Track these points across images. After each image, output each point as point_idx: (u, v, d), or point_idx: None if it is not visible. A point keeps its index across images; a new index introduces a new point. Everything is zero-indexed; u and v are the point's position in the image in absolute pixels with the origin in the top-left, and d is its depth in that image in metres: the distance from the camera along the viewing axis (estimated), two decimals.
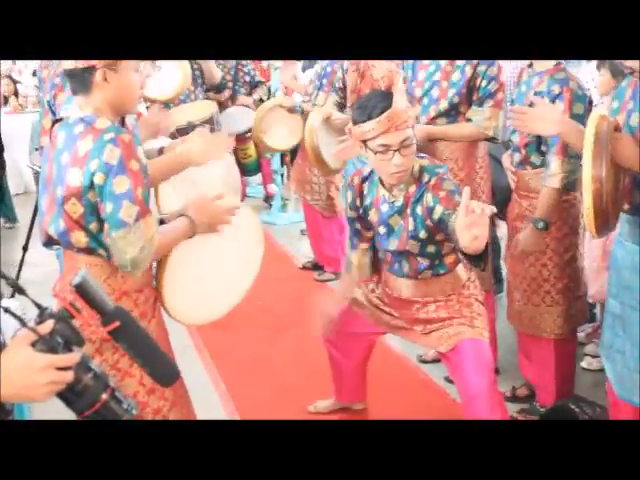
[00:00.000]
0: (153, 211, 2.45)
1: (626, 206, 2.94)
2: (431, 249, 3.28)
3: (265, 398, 4.27)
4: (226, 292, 2.81)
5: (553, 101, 3.53)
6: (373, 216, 3.37)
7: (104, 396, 1.55)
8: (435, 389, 4.36)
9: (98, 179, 2.30)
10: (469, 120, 4.17)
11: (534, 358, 3.96)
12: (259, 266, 2.86)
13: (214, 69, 6.47)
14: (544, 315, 3.84)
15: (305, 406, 4.06)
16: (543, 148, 3.65)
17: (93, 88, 2.38)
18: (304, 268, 6.51)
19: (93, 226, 2.39)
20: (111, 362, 2.46)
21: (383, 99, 3.01)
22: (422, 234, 3.21)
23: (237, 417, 4.04)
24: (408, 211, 3.22)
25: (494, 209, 2.53)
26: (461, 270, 3.43)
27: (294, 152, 6.77)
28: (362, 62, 4.04)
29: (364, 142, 3.08)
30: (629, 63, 2.91)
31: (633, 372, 3.01)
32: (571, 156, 3.52)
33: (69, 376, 1.48)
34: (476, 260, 2.78)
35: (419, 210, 3.18)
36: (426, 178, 3.16)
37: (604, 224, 2.81)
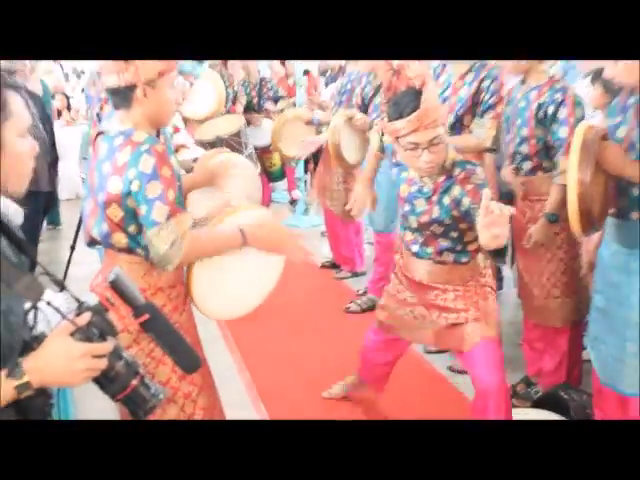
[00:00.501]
0: (187, 212, 2.47)
1: (612, 210, 2.97)
2: (454, 234, 3.17)
3: (287, 386, 4.30)
4: (251, 291, 2.80)
5: (557, 108, 3.57)
6: (403, 191, 3.27)
7: (134, 382, 1.61)
8: (439, 378, 4.38)
9: (135, 186, 2.34)
10: (471, 132, 4.19)
11: (549, 347, 3.97)
12: (282, 267, 2.87)
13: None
14: (563, 306, 3.87)
15: (326, 399, 4.08)
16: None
17: (133, 103, 2.41)
18: (323, 267, 6.52)
19: (132, 228, 2.43)
20: (147, 351, 2.49)
21: (414, 98, 2.92)
22: (447, 221, 3.12)
23: (260, 404, 4.07)
24: (434, 199, 3.12)
25: (513, 210, 2.52)
26: (481, 258, 3.33)
27: (316, 161, 6.80)
28: (396, 61, 4.01)
29: (396, 138, 3.00)
30: (618, 79, 2.93)
31: (616, 361, 3.06)
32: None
33: (103, 363, 1.55)
34: (496, 254, 2.79)
35: (446, 200, 3.08)
36: (457, 172, 3.06)
37: (589, 225, 2.84)
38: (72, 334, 1.54)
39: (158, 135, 2.60)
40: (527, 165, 3.79)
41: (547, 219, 3.69)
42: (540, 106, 3.64)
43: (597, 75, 4.04)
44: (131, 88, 2.38)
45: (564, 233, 3.71)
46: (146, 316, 1.72)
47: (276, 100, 7.77)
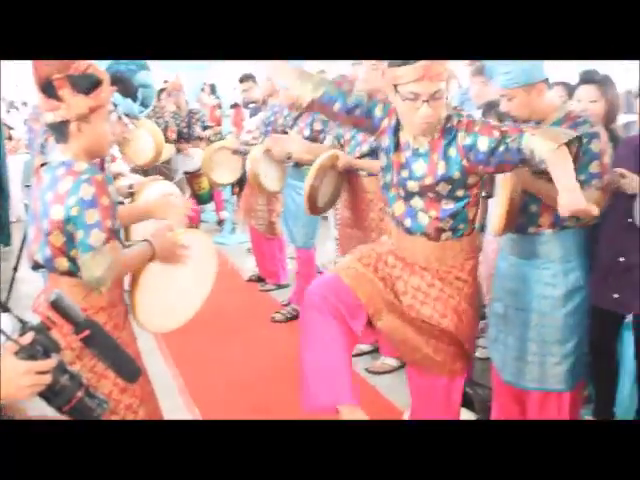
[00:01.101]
0: (118, 240, 2.45)
1: None
2: (460, 193, 2.78)
3: (218, 391, 4.25)
4: (186, 304, 2.79)
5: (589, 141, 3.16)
6: (396, 159, 2.87)
7: (79, 394, 1.58)
8: (357, 380, 4.35)
9: (74, 212, 2.30)
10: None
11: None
12: (213, 281, 2.85)
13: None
14: None
15: (255, 401, 4.02)
16: None
17: (70, 137, 2.37)
18: (250, 280, 6.52)
19: (73, 252, 2.38)
20: (89, 366, 2.43)
21: None
22: (456, 175, 2.73)
23: (194, 408, 4.01)
24: (436, 156, 2.75)
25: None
26: (474, 237, 2.99)
27: (242, 185, 6.82)
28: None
29: (395, 87, 2.66)
30: (502, 108, 3.01)
31: (515, 360, 3.10)
32: None
33: (47, 379, 1.52)
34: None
35: (452, 152, 2.73)
36: (454, 121, 2.74)
37: (509, 227, 2.91)
38: (16, 353, 1.50)
39: (103, 165, 2.54)
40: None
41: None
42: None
43: (489, 107, 4.11)
44: (66, 124, 2.35)
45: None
46: (87, 332, 1.69)
47: (204, 128, 7.79)
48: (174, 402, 3.93)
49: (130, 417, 2.55)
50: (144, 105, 3.06)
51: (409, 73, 2.59)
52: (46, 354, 1.53)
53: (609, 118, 3.47)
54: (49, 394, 1.54)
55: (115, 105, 2.94)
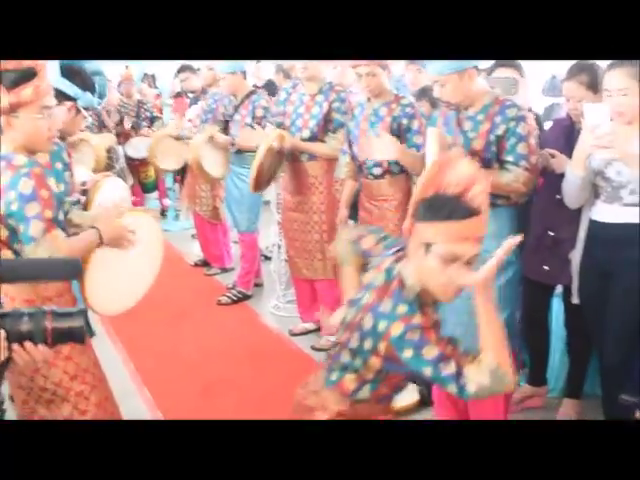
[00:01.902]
0: (59, 229, 2.38)
1: None
2: None
3: (168, 373, 4.24)
4: (134, 287, 2.78)
5: (410, 120, 3.69)
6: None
7: (47, 324, 1.48)
8: (303, 357, 4.38)
9: (14, 207, 2.26)
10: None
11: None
12: (160, 264, 2.84)
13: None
14: None
15: (205, 381, 4.02)
16: None
17: (4, 131, 2.31)
18: (195, 265, 6.47)
19: (17, 245, 2.33)
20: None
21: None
22: None
23: (145, 390, 3.99)
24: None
25: None
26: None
27: (184, 173, 6.79)
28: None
29: None
30: (436, 94, 3.06)
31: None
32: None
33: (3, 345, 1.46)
34: None
35: None
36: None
37: None
38: None
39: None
40: (377, 170, 3.82)
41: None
42: (394, 119, 3.70)
43: (423, 93, 4.17)
44: None
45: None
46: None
47: (152, 120, 7.88)
48: (126, 386, 3.90)
49: (82, 404, 2.52)
50: (100, 96, 3.01)
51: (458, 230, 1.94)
52: None
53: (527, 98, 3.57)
54: (28, 343, 1.47)
55: (75, 99, 2.88)
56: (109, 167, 5.18)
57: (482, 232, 1.97)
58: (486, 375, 1.82)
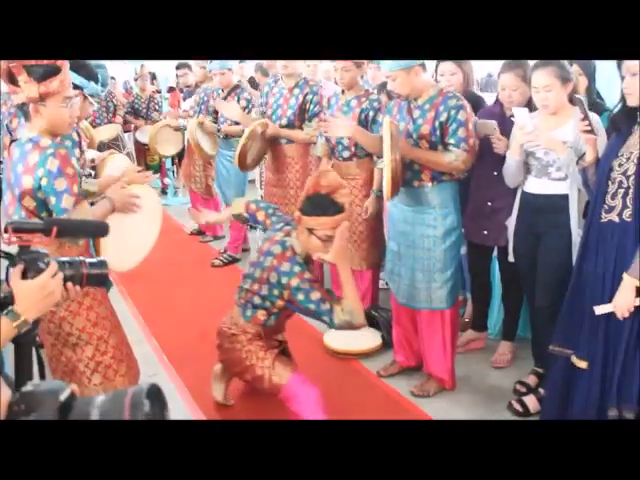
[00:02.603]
0: (85, 200, 2.42)
1: None
2: None
3: (171, 323, 4.26)
4: (141, 247, 2.81)
5: (376, 113, 3.66)
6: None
7: (84, 270, 1.59)
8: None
9: (43, 182, 2.28)
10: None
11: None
12: (159, 227, 2.87)
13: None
14: (359, 252, 3.92)
15: (201, 329, 4.03)
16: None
17: (32, 117, 2.32)
18: (192, 234, 6.45)
19: (44, 214, 2.35)
20: (65, 306, 2.45)
21: None
22: None
23: (153, 339, 4.00)
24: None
25: None
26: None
27: (181, 156, 6.78)
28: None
29: (310, 230, 2.80)
30: (389, 87, 3.05)
31: (407, 287, 3.22)
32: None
33: (60, 275, 1.51)
34: None
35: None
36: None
37: (395, 191, 2.95)
38: (24, 276, 1.46)
39: (81, 142, 2.50)
40: (346, 153, 3.83)
41: (375, 194, 3.77)
42: (362, 111, 3.70)
43: (382, 87, 4.17)
44: (26, 105, 2.29)
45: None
46: (55, 229, 1.59)
47: (160, 112, 8.13)
48: (136, 336, 3.90)
49: (102, 346, 2.57)
50: (103, 85, 2.98)
51: (329, 223, 2.72)
52: (42, 264, 1.49)
53: (467, 85, 3.59)
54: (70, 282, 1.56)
55: (82, 88, 2.86)
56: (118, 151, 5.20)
57: (345, 221, 2.75)
58: (347, 315, 2.67)
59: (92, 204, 2.57)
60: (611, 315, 2.43)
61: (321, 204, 2.74)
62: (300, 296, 2.73)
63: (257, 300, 2.90)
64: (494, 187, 3.30)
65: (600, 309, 2.45)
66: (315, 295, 2.71)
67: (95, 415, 1.08)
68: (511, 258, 3.20)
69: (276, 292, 2.82)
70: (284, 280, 2.77)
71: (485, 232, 3.45)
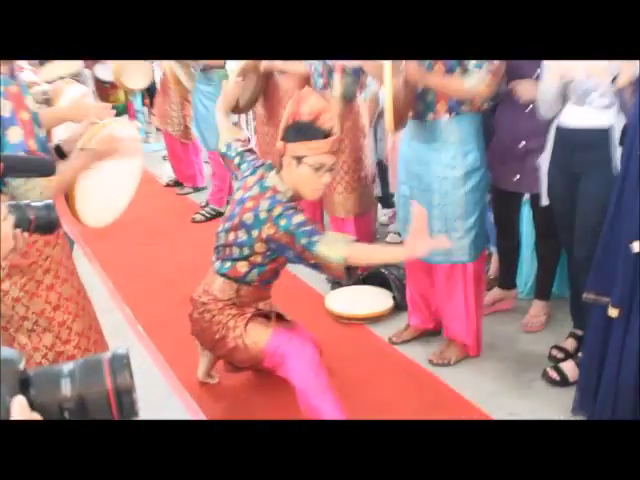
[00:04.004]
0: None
1: (411, 113, 3.02)
2: None
3: (146, 290, 4.26)
4: (120, 196, 2.77)
5: None
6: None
7: (30, 214, 1.63)
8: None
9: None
10: None
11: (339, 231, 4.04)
12: (140, 174, 2.84)
13: None
14: (346, 200, 4.06)
15: (181, 295, 4.01)
16: None
17: None
18: (167, 186, 6.43)
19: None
20: (19, 285, 2.34)
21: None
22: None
23: (125, 307, 3.98)
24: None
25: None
26: None
27: (152, 96, 6.67)
28: None
29: (300, 158, 2.72)
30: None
31: None
32: (347, 73, 3.80)
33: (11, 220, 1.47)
34: None
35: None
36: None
37: (399, 122, 2.88)
38: None
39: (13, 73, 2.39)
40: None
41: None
42: None
43: None
44: None
45: (347, 139, 3.90)
46: (1, 165, 1.68)
47: None
48: (105, 304, 3.89)
49: (64, 334, 2.46)
50: None
51: (321, 146, 2.67)
52: None
53: None
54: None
55: None
56: None
57: (337, 147, 2.72)
58: (332, 254, 2.49)
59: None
60: None
61: (307, 130, 2.68)
62: (282, 221, 2.62)
63: (235, 251, 2.81)
64: (528, 123, 3.22)
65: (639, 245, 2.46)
66: (298, 217, 2.62)
67: (67, 387, 1.02)
68: (545, 201, 3.15)
69: (255, 233, 2.71)
70: (263, 215, 2.68)
71: (517, 177, 3.38)
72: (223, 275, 2.87)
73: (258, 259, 2.79)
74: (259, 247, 2.74)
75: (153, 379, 3.22)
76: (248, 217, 2.72)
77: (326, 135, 2.68)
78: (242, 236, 2.76)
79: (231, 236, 2.81)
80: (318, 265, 2.60)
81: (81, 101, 2.63)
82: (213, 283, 2.90)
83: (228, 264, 2.85)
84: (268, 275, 2.88)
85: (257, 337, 2.79)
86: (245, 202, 2.77)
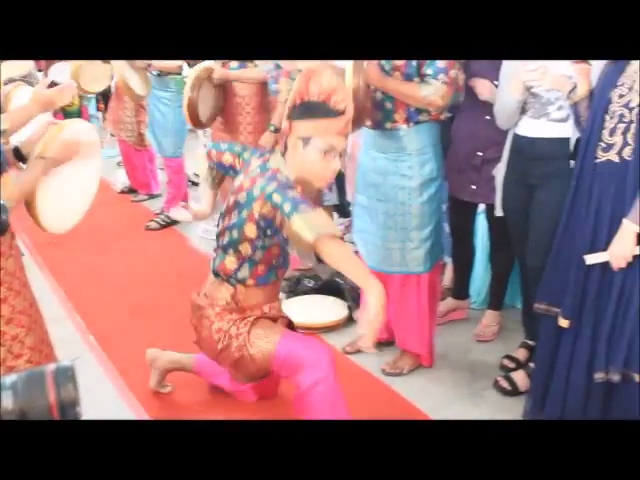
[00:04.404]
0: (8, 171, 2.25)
1: (369, 123, 3.03)
2: None
3: (99, 298, 4.16)
4: (77, 204, 2.74)
5: None
6: None
7: None
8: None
9: None
10: None
11: None
12: (98, 182, 2.83)
13: None
14: None
15: (134, 304, 3.95)
16: None
17: None
18: (122, 193, 6.33)
19: None
20: None
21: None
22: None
23: (76, 315, 3.90)
24: None
25: None
26: None
27: (107, 99, 6.56)
28: None
29: (307, 139, 2.47)
30: None
31: (378, 248, 3.18)
32: (293, 78, 3.80)
33: None
34: None
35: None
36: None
37: (357, 123, 2.84)
38: None
39: None
40: None
41: (270, 129, 4.05)
42: None
43: None
44: None
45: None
46: None
47: None
48: (56, 313, 3.81)
49: (16, 348, 2.37)
50: None
51: (332, 126, 2.42)
52: None
53: None
54: None
55: None
56: None
57: (349, 129, 2.48)
58: (307, 229, 2.22)
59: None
60: (604, 267, 2.48)
61: (316, 109, 2.41)
62: (275, 196, 2.33)
63: (226, 236, 2.57)
64: (486, 134, 3.25)
65: (592, 258, 2.50)
66: (293, 193, 2.35)
67: (8, 400, 1.00)
68: (499, 212, 3.18)
69: (245, 213, 2.45)
70: (256, 192, 2.40)
71: (474, 187, 3.41)
72: (216, 274, 2.66)
73: (248, 250, 2.53)
74: (249, 230, 2.47)
75: (104, 390, 3.16)
76: (242, 196, 2.47)
77: (338, 114, 2.42)
78: (234, 218, 2.52)
79: (225, 221, 2.57)
80: (290, 240, 2.39)
81: (40, 91, 2.56)
82: (209, 284, 2.70)
83: (218, 259, 2.64)
84: (262, 272, 2.62)
85: (263, 344, 2.55)
86: (243, 182, 2.53)
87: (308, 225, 2.24)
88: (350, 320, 3.72)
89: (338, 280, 3.84)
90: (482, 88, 3.15)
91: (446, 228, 3.70)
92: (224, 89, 4.35)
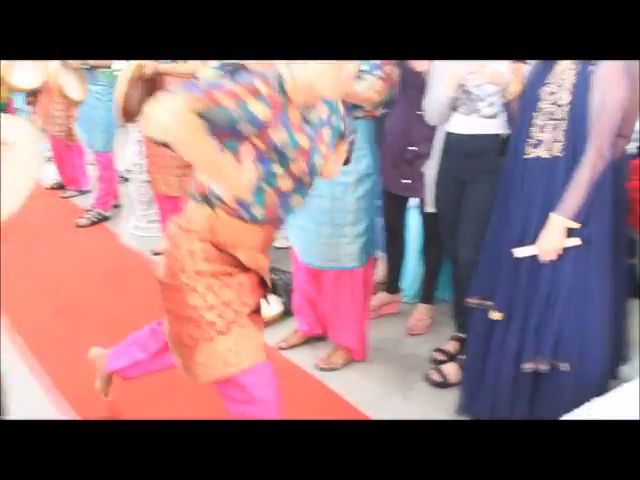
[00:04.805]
0: None
1: None
2: None
3: (25, 296, 4.05)
4: (14, 196, 2.56)
5: None
6: None
7: None
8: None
9: None
10: None
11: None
12: (41, 162, 2.73)
13: None
14: None
15: (62, 302, 3.85)
16: None
17: None
18: (51, 188, 6.15)
19: None
20: None
21: None
22: None
23: (3, 315, 3.77)
24: None
25: None
26: None
27: (36, 93, 6.37)
28: None
29: None
30: None
31: (313, 244, 3.16)
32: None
33: None
34: None
35: None
36: None
37: None
38: None
39: None
40: None
41: None
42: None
43: None
44: None
45: None
46: None
47: None
48: None
49: None
50: None
51: None
52: None
53: None
54: None
55: None
56: None
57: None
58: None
59: None
60: (533, 260, 2.53)
61: None
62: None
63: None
64: (418, 129, 3.26)
65: (520, 251, 2.55)
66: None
67: None
68: (430, 208, 3.20)
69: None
70: None
71: (407, 181, 3.43)
72: (192, 196, 2.17)
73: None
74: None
75: (32, 391, 3.07)
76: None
77: None
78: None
79: None
80: None
81: None
82: (185, 209, 2.20)
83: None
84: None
85: (242, 355, 2.20)
86: None
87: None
88: (284, 315, 3.71)
89: (272, 275, 3.82)
90: (419, 62, 3.10)
91: (379, 223, 3.73)
92: (154, 83, 4.27)
